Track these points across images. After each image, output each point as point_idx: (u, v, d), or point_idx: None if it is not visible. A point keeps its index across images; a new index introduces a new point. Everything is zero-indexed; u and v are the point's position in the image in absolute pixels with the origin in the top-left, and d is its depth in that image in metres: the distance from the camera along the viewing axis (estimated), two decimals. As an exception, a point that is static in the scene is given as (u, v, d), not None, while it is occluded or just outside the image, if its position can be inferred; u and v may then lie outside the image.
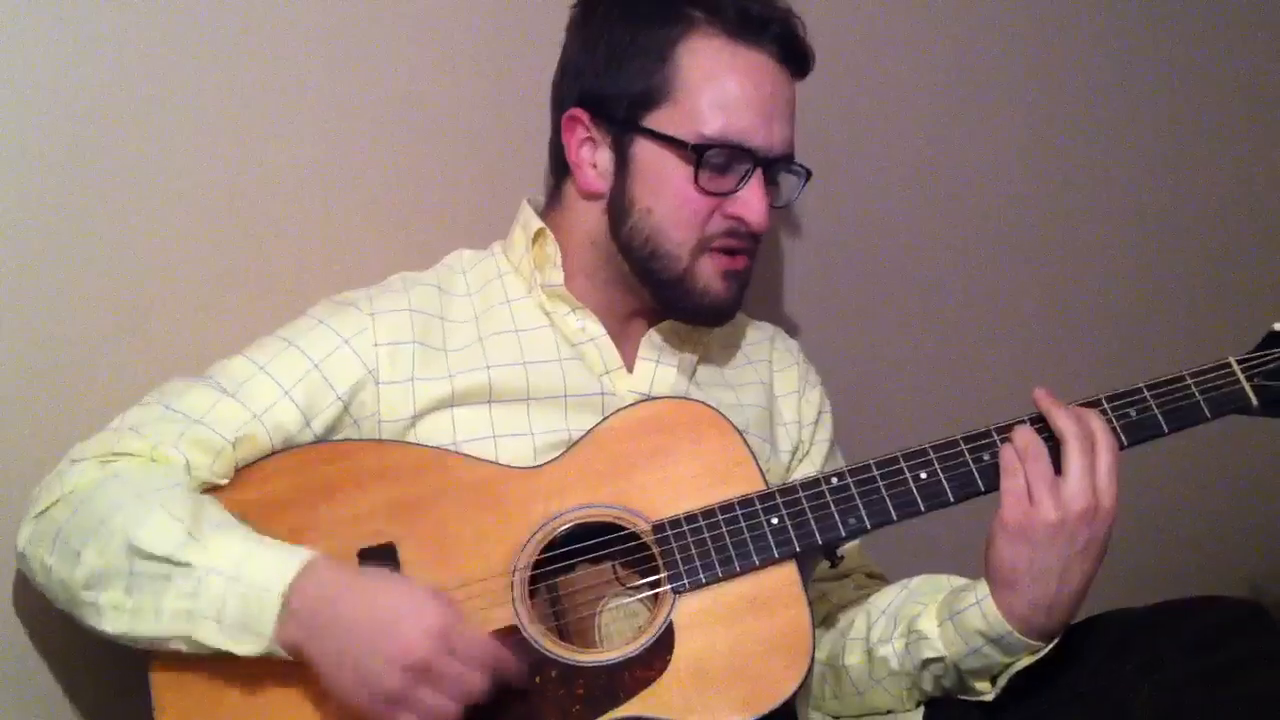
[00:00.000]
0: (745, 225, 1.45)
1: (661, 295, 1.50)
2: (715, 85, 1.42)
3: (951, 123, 2.10)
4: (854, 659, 1.49)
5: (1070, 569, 1.32)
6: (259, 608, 1.20)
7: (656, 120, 1.44)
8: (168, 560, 1.22)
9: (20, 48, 1.40)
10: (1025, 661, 1.36)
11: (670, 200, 1.44)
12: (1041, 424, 1.38)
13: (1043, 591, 1.32)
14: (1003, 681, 1.38)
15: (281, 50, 1.57)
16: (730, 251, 1.47)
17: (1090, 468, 1.33)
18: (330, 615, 1.21)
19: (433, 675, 1.19)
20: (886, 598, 1.52)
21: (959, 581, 1.44)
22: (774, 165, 1.47)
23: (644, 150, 1.45)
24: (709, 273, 1.47)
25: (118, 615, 1.23)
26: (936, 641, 1.39)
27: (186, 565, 1.21)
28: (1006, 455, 1.35)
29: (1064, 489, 1.32)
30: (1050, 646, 1.36)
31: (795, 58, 1.48)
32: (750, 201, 1.44)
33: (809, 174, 1.52)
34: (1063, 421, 1.35)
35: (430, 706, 1.19)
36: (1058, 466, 1.34)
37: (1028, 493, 1.33)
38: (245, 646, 1.21)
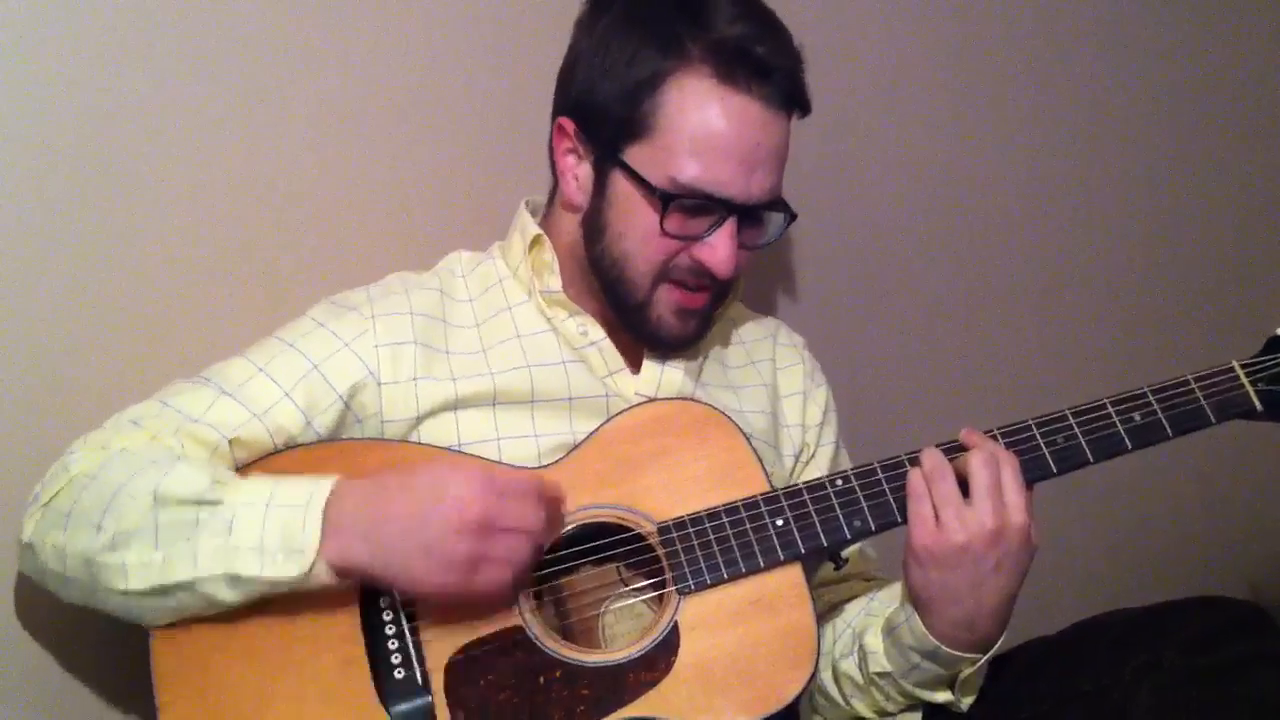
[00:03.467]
0: (707, 270, 1.44)
1: (621, 316, 1.50)
2: (696, 130, 1.39)
3: (955, 123, 2.11)
4: (825, 674, 1.51)
5: (984, 587, 1.33)
6: (301, 525, 1.21)
7: (635, 154, 1.42)
8: (196, 502, 1.22)
9: (22, 48, 1.40)
10: (969, 670, 1.38)
11: (638, 234, 1.43)
12: (951, 449, 1.38)
13: (960, 611, 1.34)
14: (966, 691, 1.41)
15: (281, 49, 1.57)
16: (690, 287, 1.46)
17: (995, 485, 1.33)
18: (378, 513, 1.23)
19: (495, 521, 1.22)
20: (852, 611, 1.54)
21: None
22: (750, 211, 1.45)
23: (620, 181, 1.43)
24: (664, 305, 1.46)
25: (146, 570, 1.22)
26: (881, 657, 1.42)
27: (216, 503, 1.22)
28: (913, 479, 1.36)
29: (969, 510, 1.32)
30: (986, 657, 1.37)
31: (793, 104, 1.44)
32: (717, 249, 1.42)
33: (793, 216, 1.49)
34: (968, 447, 1.36)
35: (505, 551, 1.23)
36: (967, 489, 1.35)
37: (934, 516, 1.33)
38: (291, 568, 1.21)
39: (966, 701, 1.42)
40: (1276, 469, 2.35)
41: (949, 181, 2.11)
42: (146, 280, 1.50)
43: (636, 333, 1.50)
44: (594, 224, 1.46)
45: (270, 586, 1.23)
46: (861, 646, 1.45)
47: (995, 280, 2.18)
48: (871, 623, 1.46)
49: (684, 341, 1.51)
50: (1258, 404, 1.41)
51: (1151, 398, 1.40)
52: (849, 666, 1.48)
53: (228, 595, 1.23)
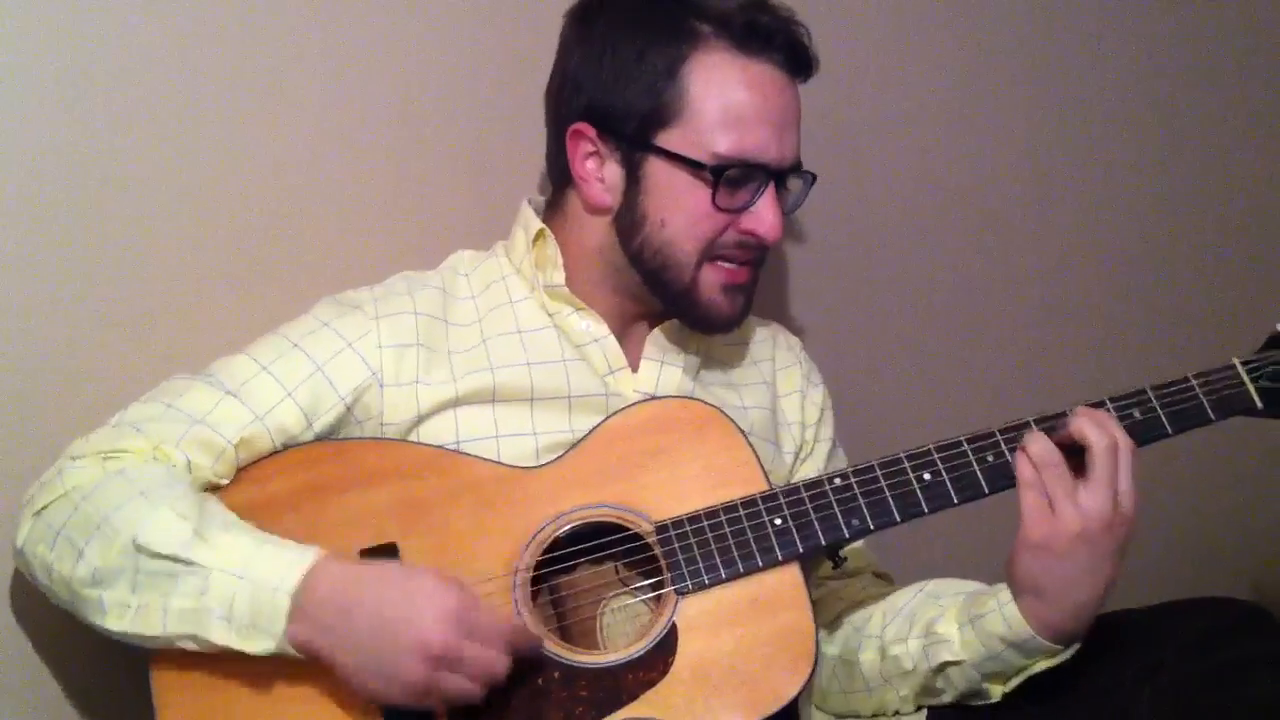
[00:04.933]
0: (758, 238, 1.46)
1: (671, 305, 1.51)
2: (726, 102, 1.42)
3: (954, 123, 2.10)
4: (868, 655, 1.49)
5: (1096, 574, 1.32)
6: (270, 607, 1.20)
7: (668, 139, 1.43)
8: (173, 559, 1.21)
9: (21, 47, 1.40)
10: (1042, 665, 1.37)
11: (686, 216, 1.44)
12: (1048, 425, 1.37)
13: (1069, 598, 1.33)
14: (1016, 682, 1.39)
15: (282, 49, 1.57)
16: (736, 261, 1.48)
17: (1113, 475, 1.33)
18: (344, 612, 1.21)
19: (453, 660, 1.20)
20: (903, 598, 1.52)
21: (975, 585, 1.45)
22: (784, 175, 1.48)
23: (657, 168, 1.44)
24: (711, 286, 1.47)
25: (122, 613, 1.23)
26: (955, 645, 1.40)
27: (192, 564, 1.21)
28: (1023, 467, 1.34)
29: (1087, 498, 1.32)
30: (1069, 652, 1.36)
31: (801, 65, 1.48)
32: (764, 216, 1.45)
33: (814, 178, 1.52)
34: (1087, 428, 1.34)
35: (455, 691, 1.21)
36: (1073, 469, 1.34)
37: (1049, 504, 1.33)
38: (256, 645, 1.21)
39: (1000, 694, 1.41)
40: (1278, 468, 2.34)
41: (948, 180, 2.11)
42: (150, 279, 1.50)
43: (687, 320, 1.52)
44: (630, 219, 1.47)
45: (236, 653, 1.22)
46: (933, 633, 1.42)
47: (993, 279, 2.17)
48: (938, 611, 1.44)
49: (733, 322, 1.52)
50: (1258, 401, 1.41)
51: (1152, 395, 1.40)
52: (902, 651, 1.44)
53: (196, 649, 1.23)
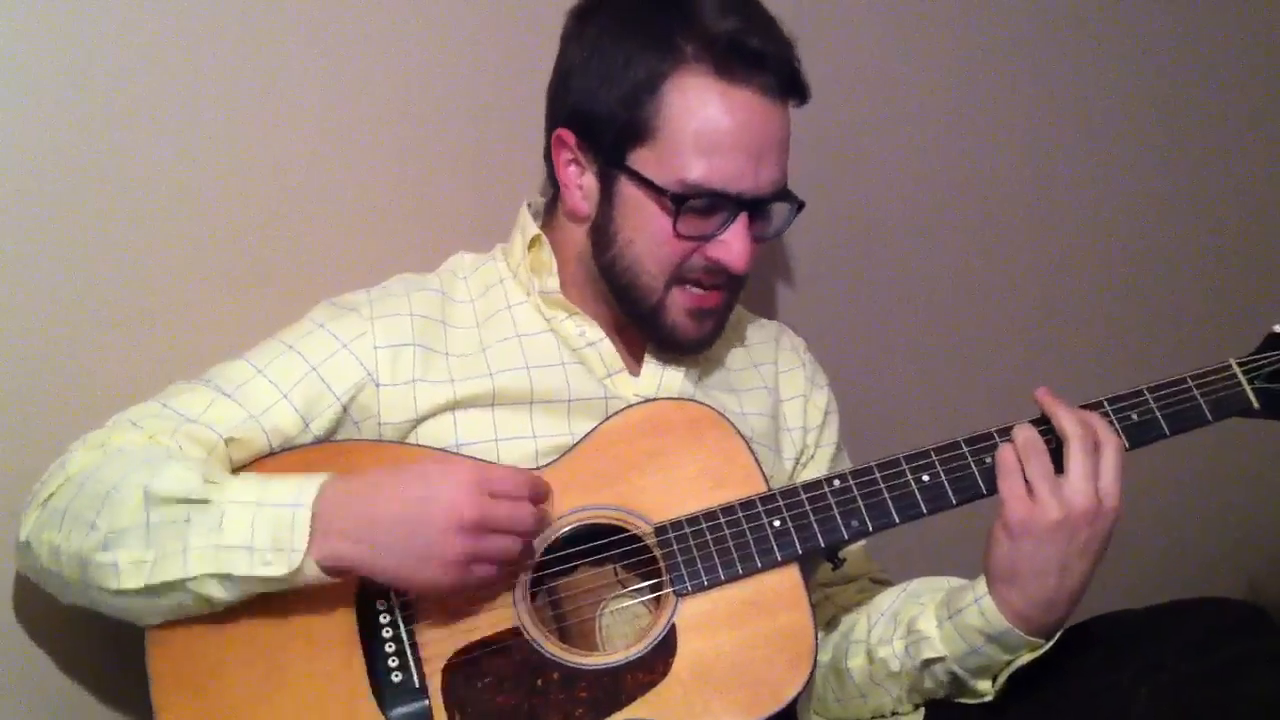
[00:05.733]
0: (723, 268, 1.44)
1: (636, 323, 1.50)
2: (700, 129, 1.38)
3: (954, 124, 2.10)
4: (856, 661, 1.49)
5: (1070, 566, 1.32)
6: (290, 525, 1.22)
7: (640, 159, 1.41)
8: (186, 501, 1.23)
9: (21, 47, 1.40)
10: (1026, 658, 1.36)
11: (651, 239, 1.43)
12: (1044, 426, 1.38)
13: (1042, 588, 1.32)
14: (1002, 679, 1.38)
15: (282, 50, 1.57)
16: (705, 286, 1.46)
17: (1094, 467, 1.33)
18: (366, 513, 1.24)
19: (487, 522, 1.24)
20: (887, 599, 1.52)
21: (957, 582, 1.44)
22: (761, 203, 1.45)
23: (627, 187, 1.43)
24: (678, 308, 1.46)
25: (137, 570, 1.22)
26: (936, 641, 1.39)
27: (205, 502, 1.23)
28: (1005, 454, 1.35)
29: (1066, 487, 1.32)
30: (1050, 643, 1.36)
31: (790, 91, 1.44)
32: (731, 245, 1.42)
33: (801, 205, 1.49)
34: (1066, 421, 1.35)
35: (498, 549, 1.26)
36: (1059, 466, 1.34)
37: (1029, 491, 1.33)
38: (279, 567, 1.21)
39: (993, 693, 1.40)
40: (1274, 468, 2.35)
41: (947, 180, 2.11)
42: (149, 281, 1.50)
43: (653, 338, 1.51)
44: (602, 232, 1.46)
45: (262, 584, 1.23)
46: (914, 631, 1.42)
47: (993, 279, 2.18)
48: (918, 609, 1.43)
49: (701, 343, 1.51)
50: (1255, 402, 1.41)
51: (1149, 397, 1.40)
52: (888, 652, 1.44)
53: (219, 593, 1.23)
